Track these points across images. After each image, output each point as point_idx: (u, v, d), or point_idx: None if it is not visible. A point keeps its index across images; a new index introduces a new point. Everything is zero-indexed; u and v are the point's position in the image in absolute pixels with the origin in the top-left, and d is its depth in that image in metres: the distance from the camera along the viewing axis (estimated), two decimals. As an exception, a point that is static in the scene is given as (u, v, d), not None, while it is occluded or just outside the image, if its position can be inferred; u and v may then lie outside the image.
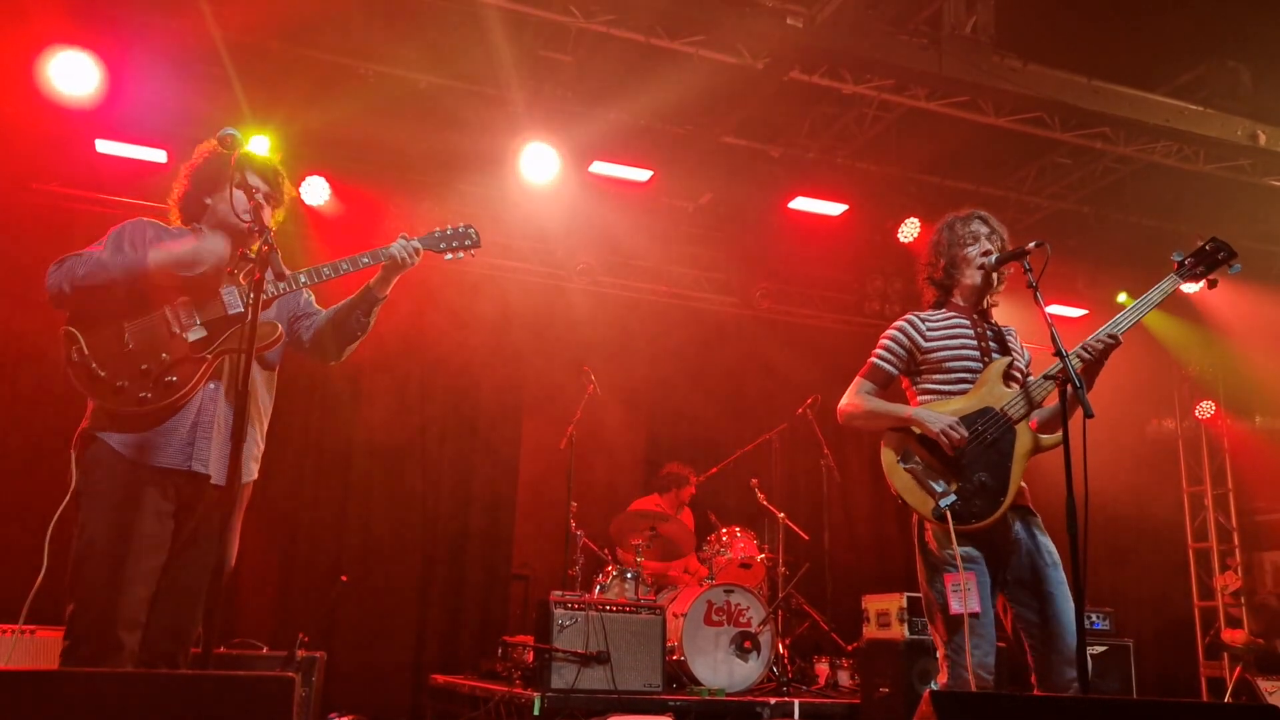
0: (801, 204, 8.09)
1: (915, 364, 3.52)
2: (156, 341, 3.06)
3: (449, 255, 3.54)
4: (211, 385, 3.10)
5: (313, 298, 3.50)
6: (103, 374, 2.99)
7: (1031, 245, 3.35)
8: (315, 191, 7.29)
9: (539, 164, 7.09)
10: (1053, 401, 3.37)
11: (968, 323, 3.52)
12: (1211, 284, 3.54)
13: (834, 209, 8.14)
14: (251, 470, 3.23)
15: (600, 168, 7.55)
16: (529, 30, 6.37)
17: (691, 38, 6.20)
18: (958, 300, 3.58)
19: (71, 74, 6.02)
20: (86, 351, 3.00)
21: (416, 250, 3.36)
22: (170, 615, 2.97)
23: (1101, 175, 8.03)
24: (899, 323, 3.57)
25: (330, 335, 3.40)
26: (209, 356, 3.10)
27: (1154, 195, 8.13)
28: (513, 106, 6.82)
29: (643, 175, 7.69)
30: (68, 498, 2.97)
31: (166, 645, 2.97)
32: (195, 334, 3.10)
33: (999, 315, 3.64)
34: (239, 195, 3.11)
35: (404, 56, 6.50)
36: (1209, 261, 3.50)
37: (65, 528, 2.95)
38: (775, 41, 6.18)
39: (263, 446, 3.30)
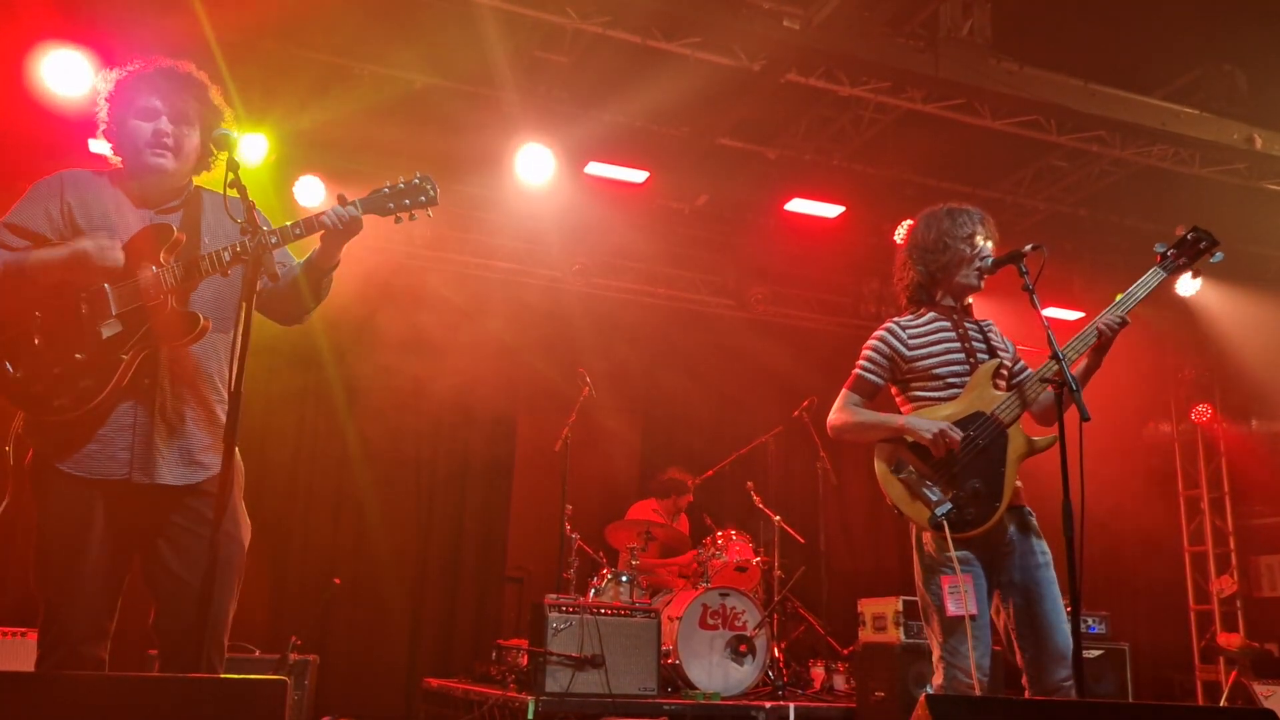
0: (798, 206, 8.08)
1: (900, 373, 3.47)
2: (69, 338, 2.68)
3: (400, 217, 2.94)
4: (146, 380, 2.72)
5: (286, 248, 2.96)
6: (17, 374, 2.65)
7: (1028, 248, 3.32)
8: (310, 192, 7.27)
9: (534, 165, 7.07)
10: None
11: (949, 324, 3.47)
12: (1195, 275, 3.51)
13: (830, 211, 8.14)
14: (213, 461, 2.80)
15: (596, 169, 7.53)
16: (524, 31, 6.35)
17: (687, 39, 6.18)
18: (943, 299, 3.53)
19: (64, 73, 5.99)
20: None
21: (354, 217, 2.83)
22: (178, 620, 2.72)
23: (1098, 178, 8.02)
24: (879, 332, 3.51)
25: (280, 304, 2.98)
26: (125, 356, 2.69)
27: (1150, 198, 8.12)
28: (508, 107, 6.80)
29: (639, 176, 7.67)
30: (5, 502, 2.76)
31: (187, 649, 2.66)
32: (110, 329, 2.70)
33: (985, 312, 3.62)
34: (233, 200, 2.69)
35: (399, 57, 6.48)
36: (1191, 252, 3.46)
37: (15, 530, 2.78)
38: (772, 43, 6.17)
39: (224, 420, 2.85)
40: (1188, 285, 8.00)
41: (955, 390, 3.39)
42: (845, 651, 6.94)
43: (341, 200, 2.88)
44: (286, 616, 7.05)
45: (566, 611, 5.63)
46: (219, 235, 2.88)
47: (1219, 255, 3.48)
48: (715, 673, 6.19)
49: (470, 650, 7.69)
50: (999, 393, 3.37)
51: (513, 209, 7.79)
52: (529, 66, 6.70)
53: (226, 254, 2.75)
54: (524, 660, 5.95)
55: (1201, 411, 10.10)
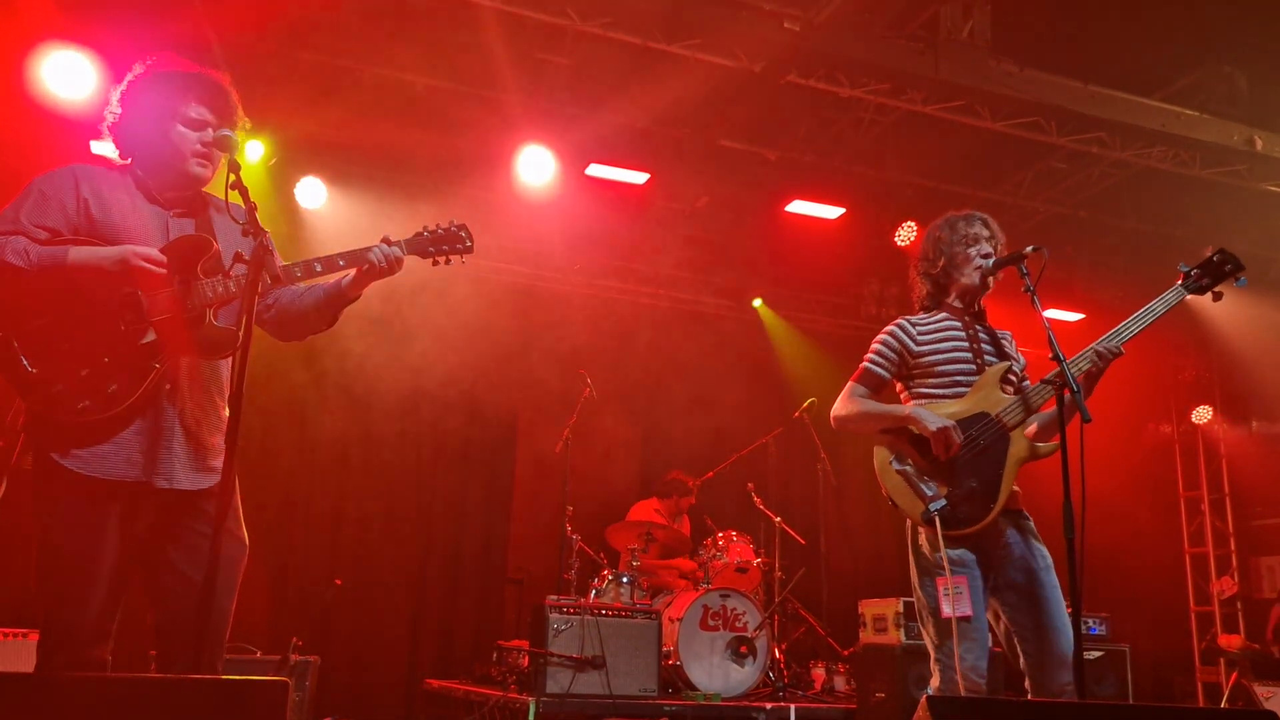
0: (798, 207, 8.08)
1: (907, 368, 3.50)
2: (99, 341, 2.66)
3: (438, 261, 3.09)
4: (168, 386, 2.74)
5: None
6: (34, 371, 2.61)
7: (1029, 250, 3.32)
8: (311, 194, 7.27)
9: (536, 166, 7.08)
10: (1050, 407, 3.35)
11: (960, 325, 3.50)
12: (1216, 297, 3.49)
13: (831, 212, 8.14)
14: (220, 465, 2.79)
15: (597, 170, 7.54)
16: (526, 32, 6.35)
17: (688, 41, 6.19)
18: (952, 301, 3.56)
19: (66, 75, 5.99)
20: (15, 345, 2.61)
21: (399, 258, 2.94)
22: (180, 619, 2.71)
23: (1098, 180, 8.02)
24: (890, 326, 3.55)
25: (294, 324, 3.03)
26: (158, 365, 2.71)
27: (1150, 200, 8.13)
28: (509, 109, 6.81)
29: (640, 178, 7.68)
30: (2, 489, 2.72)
31: (190, 648, 2.64)
32: (146, 337, 2.70)
33: (995, 319, 3.63)
34: (235, 203, 2.68)
35: (401, 59, 6.49)
36: (1215, 273, 3.46)
37: (15, 530, 2.75)
38: (772, 45, 6.18)
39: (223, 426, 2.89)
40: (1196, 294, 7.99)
41: (961, 390, 3.40)
42: (846, 653, 6.93)
43: (387, 240, 2.94)
44: (287, 617, 7.05)
45: (567, 612, 5.63)
46: (225, 239, 2.87)
47: (1243, 280, 3.46)
48: (716, 674, 6.19)
49: (471, 651, 7.68)
50: (1005, 396, 3.38)
51: (513, 210, 7.80)
52: (530, 68, 6.71)
53: (300, 269, 2.83)
54: (525, 661, 5.95)
55: (1202, 412, 10.10)
